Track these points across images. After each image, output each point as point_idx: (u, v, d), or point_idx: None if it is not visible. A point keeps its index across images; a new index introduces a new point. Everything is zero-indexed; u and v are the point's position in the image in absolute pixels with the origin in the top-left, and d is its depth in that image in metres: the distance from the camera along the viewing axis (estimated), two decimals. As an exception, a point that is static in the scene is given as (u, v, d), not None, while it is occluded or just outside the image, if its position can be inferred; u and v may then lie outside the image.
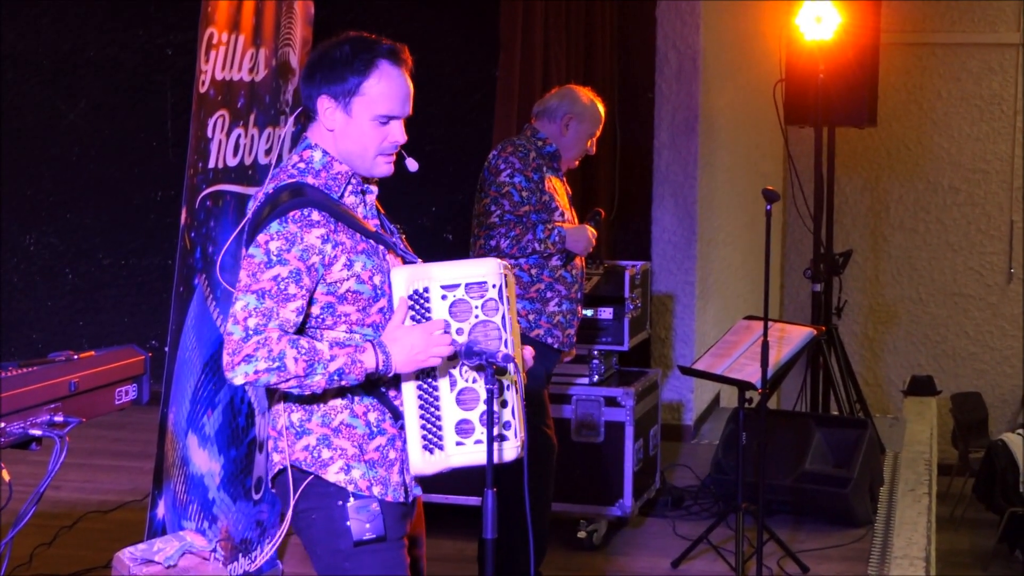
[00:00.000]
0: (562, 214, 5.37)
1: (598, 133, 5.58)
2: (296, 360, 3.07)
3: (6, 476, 3.01)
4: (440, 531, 6.40)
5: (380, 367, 3.14)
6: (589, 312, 6.49)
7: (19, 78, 9.65)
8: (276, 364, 3.07)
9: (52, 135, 9.66)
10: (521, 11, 7.05)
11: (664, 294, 8.62)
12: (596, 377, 6.52)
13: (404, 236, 3.46)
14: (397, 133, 3.28)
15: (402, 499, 3.29)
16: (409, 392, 3.20)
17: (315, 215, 3.16)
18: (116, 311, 9.63)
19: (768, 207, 5.58)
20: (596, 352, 6.52)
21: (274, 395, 3.31)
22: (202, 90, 4.81)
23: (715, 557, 6.18)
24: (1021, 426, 10.87)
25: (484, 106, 7.85)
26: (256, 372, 3.07)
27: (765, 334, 5.60)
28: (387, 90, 3.25)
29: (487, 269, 3.21)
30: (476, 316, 3.18)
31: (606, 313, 6.51)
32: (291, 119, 5.26)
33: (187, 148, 4.84)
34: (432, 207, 8.83)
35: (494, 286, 3.19)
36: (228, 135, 5.01)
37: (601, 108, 5.56)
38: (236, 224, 4.85)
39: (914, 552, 6.30)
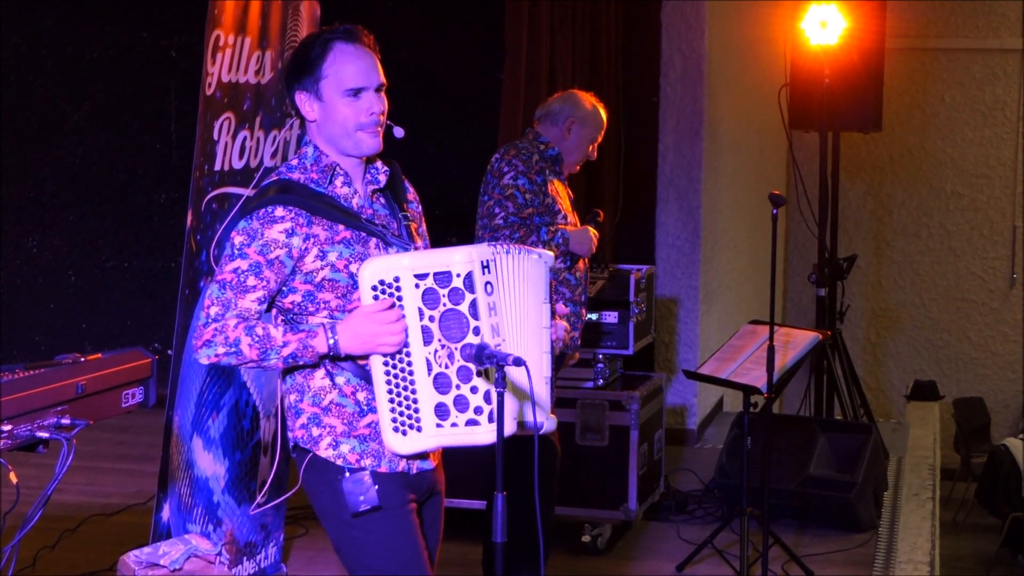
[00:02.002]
0: (564, 217, 5.36)
1: (600, 139, 5.57)
2: (250, 347, 3.28)
3: (14, 479, 3.00)
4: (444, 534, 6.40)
5: (330, 351, 3.31)
6: (594, 316, 6.48)
7: (23, 79, 9.65)
8: (233, 350, 3.28)
9: (55, 137, 9.65)
10: (526, 15, 7.04)
11: (668, 298, 8.61)
12: (601, 381, 6.51)
13: (413, 225, 3.55)
14: (372, 103, 3.41)
15: (401, 469, 3.41)
16: (378, 377, 3.31)
17: (279, 211, 3.32)
18: (119, 313, 9.62)
19: (774, 211, 5.57)
20: (601, 356, 6.52)
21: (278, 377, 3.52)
22: (208, 92, 4.81)
23: (719, 561, 6.17)
24: (1023, 431, 10.86)
25: (488, 110, 7.83)
26: (216, 355, 3.30)
27: (771, 338, 5.60)
28: (347, 65, 3.40)
29: (456, 258, 3.26)
30: (444, 304, 3.25)
31: (611, 317, 6.51)
32: (295, 122, 5.25)
33: (192, 150, 4.84)
34: (436, 210, 8.78)
35: (458, 275, 3.24)
36: (234, 137, 5.00)
37: (603, 113, 5.55)
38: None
39: (918, 557, 6.30)
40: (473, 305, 3.24)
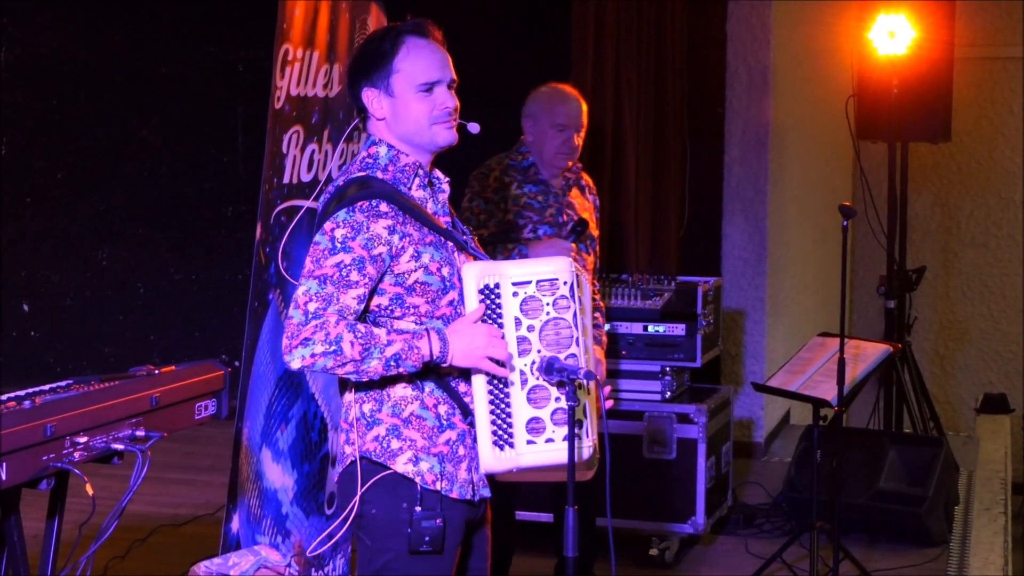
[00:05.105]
0: (533, 230, 5.18)
1: (578, 125, 5.28)
2: (352, 344, 3.09)
3: (90, 490, 3.03)
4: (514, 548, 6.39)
5: (436, 355, 3.16)
6: (661, 328, 6.44)
7: (92, 94, 9.76)
8: (332, 348, 3.09)
9: (124, 151, 9.76)
10: (592, 28, 7.04)
11: (734, 310, 8.56)
12: (668, 394, 6.48)
13: (476, 239, 3.48)
14: (445, 98, 3.32)
15: (469, 496, 3.30)
16: (479, 388, 3.21)
17: (383, 206, 3.20)
18: (187, 326, 9.70)
19: (845, 223, 5.53)
20: (668, 369, 6.48)
21: (346, 387, 3.33)
22: (277, 106, 4.84)
23: (788, 576, 6.13)
24: (1095, 445, 10.72)
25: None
26: (313, 356, 3.09)
27: (841, 351, 5.55)
28: (419, 59, 3.31)
29: (558, 266, 3.24)
30: (548, 313, 3.19)
31: (678, 329, 6.46)
32: (363, 135, 5.27)
33: (258, 163, 4.87)
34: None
35: (565, 283, 3.21)
36: (303, 150, 5.03)
37: (565, 94, 5.30)
38: (310, 239, 4.86)
39: (990, 572, 6.21)
40: (575, 315, 3.20)
